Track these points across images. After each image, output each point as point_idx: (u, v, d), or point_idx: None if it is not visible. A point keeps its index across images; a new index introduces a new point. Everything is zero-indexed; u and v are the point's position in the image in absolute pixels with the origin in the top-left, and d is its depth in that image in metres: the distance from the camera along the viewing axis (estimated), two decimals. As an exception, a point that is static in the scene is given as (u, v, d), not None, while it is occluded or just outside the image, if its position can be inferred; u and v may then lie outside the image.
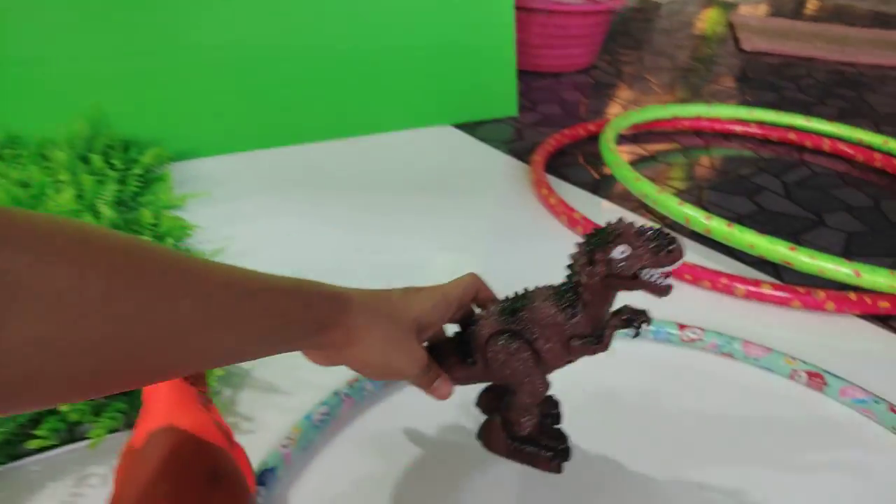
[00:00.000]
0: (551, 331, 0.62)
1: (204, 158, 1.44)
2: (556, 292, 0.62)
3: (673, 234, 0.57)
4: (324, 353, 0.53)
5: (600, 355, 0.63)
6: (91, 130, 1.25)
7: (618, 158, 1.33)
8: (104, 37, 1.32)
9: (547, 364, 0.65)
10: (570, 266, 0.62)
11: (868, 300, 1.02)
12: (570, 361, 0.66)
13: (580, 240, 0.61)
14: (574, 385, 0.73)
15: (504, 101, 1.79)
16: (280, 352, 0.46)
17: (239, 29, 1.44)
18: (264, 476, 0.68)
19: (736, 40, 2.70)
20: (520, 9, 2.04)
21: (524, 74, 2.15)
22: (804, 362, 0.88)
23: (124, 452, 0.51)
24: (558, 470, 0.68)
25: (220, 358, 0.42)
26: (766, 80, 2.25)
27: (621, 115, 1.58)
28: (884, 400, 0.83)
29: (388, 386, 0.84)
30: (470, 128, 1.70)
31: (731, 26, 2.93)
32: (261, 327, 0.43)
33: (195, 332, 0.38)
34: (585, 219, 1.19)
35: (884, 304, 1.02)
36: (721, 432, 0.81)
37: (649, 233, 0.57)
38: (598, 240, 0.59)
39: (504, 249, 1.19)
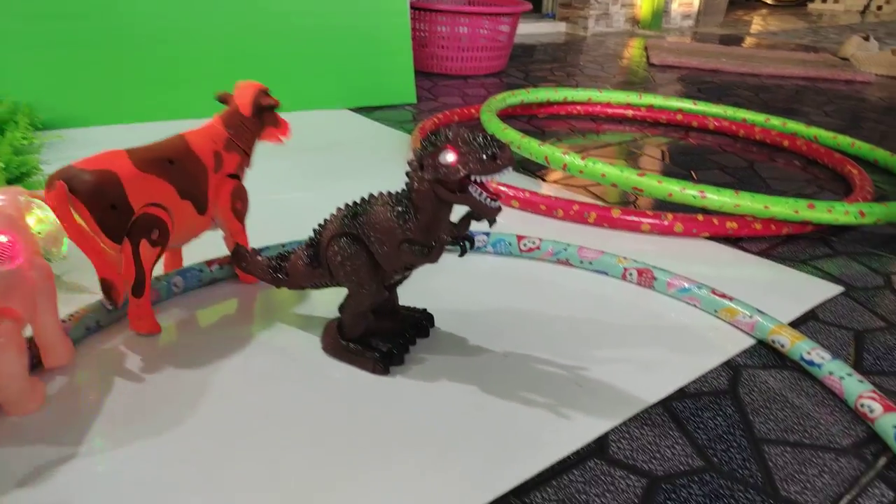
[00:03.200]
0: (386, 235, 0.63)
1: (88, 128, 1.42)
2: (394, 199, 0.63)
3: (502, 142, 0.57)
4: None
5: (451, 272, 0.63)
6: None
7: (492, 116, 1.35)
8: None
9: (385, 270, 0.65)
10: (407, 173, 0.62)
11: (715, 221, 1.03)
12: (408, 268, 0.66)
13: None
14: (428, 297, 0.76)
15: (402, 88, 1.82)
16: None
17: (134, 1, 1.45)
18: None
19: (647, 58, 2.80)
20: (422, 9, 2.11)
21: (433, 76, 2.20)
22: (634, 261, 0.88)
23: None
24: (383, 372, 0.68)
25: None
26: (670, 86, 2.33)
27: (511, 92, 1.61)
28: (706, 285, 0.82)
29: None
30: (368, 111, 1.72)
31: (645, 48, 3.05)
32: None
33: None
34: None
35: (731, 225, 1.03)
36: (559, 332, 0.80)
37: (479, 140, 0.57)
38: (428, 144, 0.59)
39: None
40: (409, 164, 0.61)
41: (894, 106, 2.16)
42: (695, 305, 0.83)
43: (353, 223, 0.65)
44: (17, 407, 0.59)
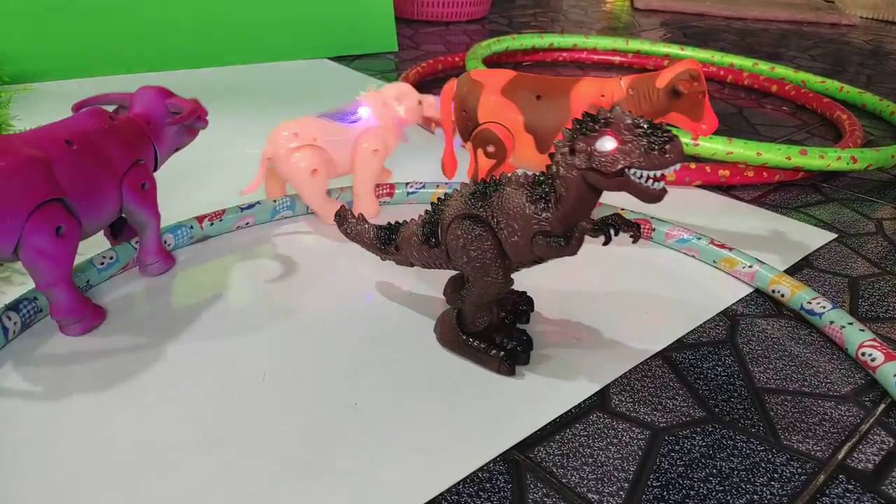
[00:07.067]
0: (518, 223, 0.55)
1: (61, 81, 1.36)
2: (531, 181, 0.56)
3: (672, 132, 0.49)
4: None
5: None
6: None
7: (477, 64, 1.31)
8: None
9: (511, 259, 0.58)
10: (551, 155, 0.54)
11: (708, 169, 1.02)
12: (538, 261, 0.58)
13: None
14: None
15: (383, 35, 1.76)
16: None
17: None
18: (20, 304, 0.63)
19: (631, 2, 2.74)
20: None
21: (413, 22, 2.13)
22: (632, 211, 0.87)
23: None
24: (508, 372, 0.61)
25: None
26: (654, 31, 2.29)
27: (496, 39, 1.57)
28: (705, 236, 0.82)
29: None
30: (347, 60, 1.66)
31: (630, -7, 2.99)
32: None
33: None
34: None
35: (724, 173, 1.02)
36: (556, 286, 0.78)
37: (644, 127, 0.49)
38: (583, 127, 0.51)
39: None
40: (557, 145, 0.53)
41: (879, 49, 2.15)
42: (693, 256, 0.82)
43: (481, 204, 0.57)
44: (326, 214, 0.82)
